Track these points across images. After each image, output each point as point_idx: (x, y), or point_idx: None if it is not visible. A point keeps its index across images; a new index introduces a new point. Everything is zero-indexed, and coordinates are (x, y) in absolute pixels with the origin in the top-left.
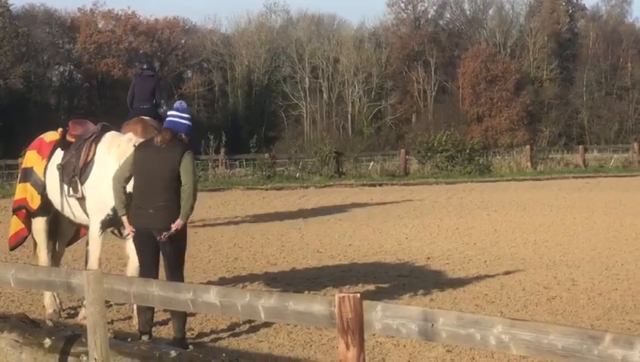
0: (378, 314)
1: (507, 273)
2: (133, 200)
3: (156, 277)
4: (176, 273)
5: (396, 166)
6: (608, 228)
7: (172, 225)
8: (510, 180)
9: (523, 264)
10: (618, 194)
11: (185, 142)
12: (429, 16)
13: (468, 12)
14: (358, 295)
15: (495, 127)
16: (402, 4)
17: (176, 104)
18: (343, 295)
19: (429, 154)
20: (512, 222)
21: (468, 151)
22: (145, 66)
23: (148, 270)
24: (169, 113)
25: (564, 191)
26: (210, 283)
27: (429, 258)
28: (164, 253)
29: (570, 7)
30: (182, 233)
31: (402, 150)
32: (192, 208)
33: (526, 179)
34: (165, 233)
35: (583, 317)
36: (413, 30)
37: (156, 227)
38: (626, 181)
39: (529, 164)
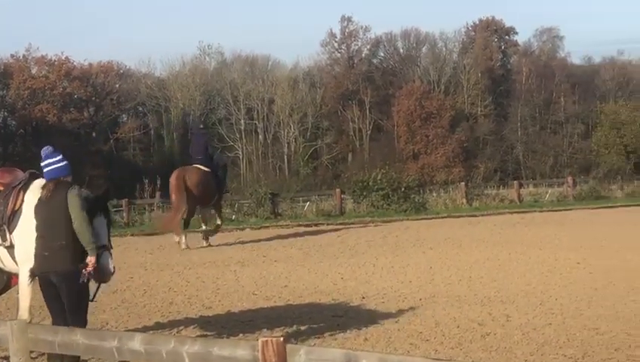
0: (302, 357)
1: (442, 310)
2: (35, 248)
3: (65, 323)
4: (75, 317)
5: (332, 206)
6: (543, 262)
7: (87, 264)
8: (446, 217)
9: (458, 301)
10: (553, 228)
11: (67, 182)
12: (363, 55)
13: (401, 50)
14: (282, 339)
15: (431, 164)
16: (336, 44)
17: (44, 152)
18: (266, 339)
19: (364, 193)
20: (448, 259)
21: (403, 189)
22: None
23: (56, 317)
24: (43, 164)
25: (499, 226)
26: (145, 328)
27: (364, 297)
28: (62, 296)
29: (502, 44)
30: (74, 274)
31: (338, 189)
32: (90, 242)
33: (462, 216)
34: (85, 271)
35: (517, 353)
36: (347, 69)
37: (53, 269)
38: (560, 215)
39: (464, 200)
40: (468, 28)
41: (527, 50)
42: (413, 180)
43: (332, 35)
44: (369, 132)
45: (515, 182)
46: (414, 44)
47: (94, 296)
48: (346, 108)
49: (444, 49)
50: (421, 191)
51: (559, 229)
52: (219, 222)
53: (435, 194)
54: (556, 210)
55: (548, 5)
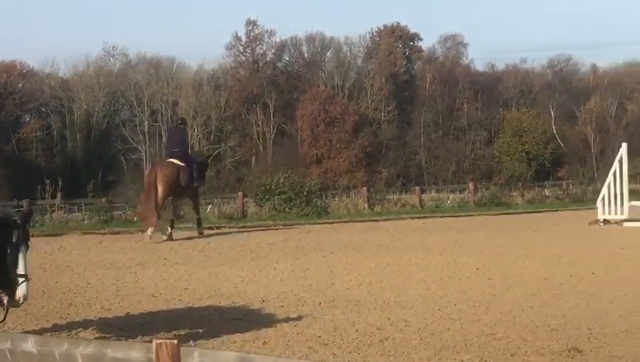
0: (195, 359)
1: (341, 315)
2: None
3: None
4: None
5: (234, 209)
6: (443, 268)
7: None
8: (347, 221)
9: (357, 305)
10: (453, 234)
11: None
12: (268, 58)
13: (306, 55)
14: (175, 341)
15: (334, 168)
16: (241, 48)
17: None
18: (160, 341)
19: (266, 196)
20: (348, 263)
21: (306, 193)
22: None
23: None
24: None
25: (400, 231)
26: (43, 330)
27: (264, 301)
28: None
29: (407, 50)
30: None
31: (240, 193)
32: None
33: (363, 221)
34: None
35: (415, 358)
36: (252, 73)
37: None
38: (461, 221)
39: (366, 205)
40: (373, 33)
41: (431, 56)
42: (316, 184)
43: (237, 38)
44: (273, 136)
45: (417, 187)
46: (319, 49)
47: (4, 317)
48: (250, 111)
49: (348, 54)
50: (323, 195)
51: (460, 235)
52: (198, 215)
53: (337, 199)
54: (457, 216)
55: (452, 12)
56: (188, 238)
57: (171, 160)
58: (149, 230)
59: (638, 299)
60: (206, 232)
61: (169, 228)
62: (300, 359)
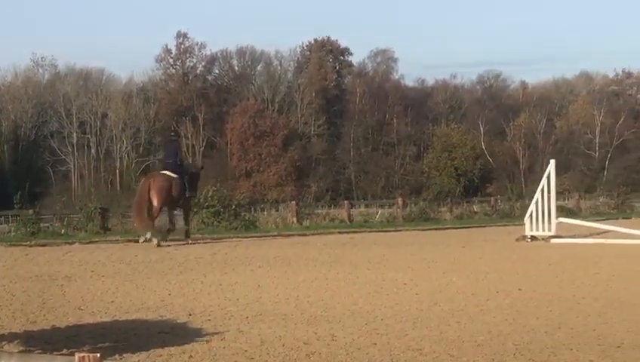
0: None
1: (268, 329)
2: None
3: None
4: None
5: (163, 221)
6: (370, 282)
7: None
8: (276, 235)
9: (284, 319)
10: (381, 249)
11: None
12: (198, 71)
13: (236, 68)
14: (98, 354)
15: (263, 182)
16: (171, 60)
17: None
18: (82, 354)
19: (195, 209)
20: (276, 277)
21: (234, 206)
22: (172, 134)
23: None
24: None
25: (328, 246)
26: None
27: (190, 314)
28: None
29: (337, 64)
30: None
31: None
32: None
33: (292, 235)
34: None
35: None
36: (182, 85)
37: None
38: (390, 236)
39: (295, 219)
40: (303, 47)
41: (361, 71)
42: (245, 198)
43: (167, 50)
44: (202, 148)
45: (346, 201)
46: (249, 62)
47: None
48: (180, 124)
49: (279, 67)
50: (252, 209)
51: (388, 250)
52: (186, 226)
53: (265, 213)
54: (385, 231)
55: (383, 27)
56: (113, 252)
57: (164, 171)
58: (148, 234)
59: (564, 315)
60: (132, 245)
61: (154, 238)
62: None
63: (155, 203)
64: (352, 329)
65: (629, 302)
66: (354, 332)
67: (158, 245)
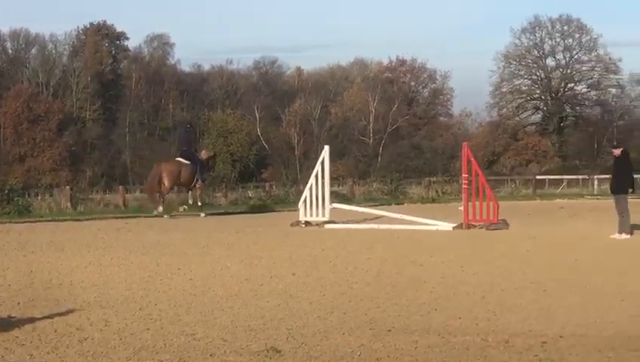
0: None
1: (40, 315)
2: None
3: None
4: None
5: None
6: (145, 268)
7: None
8: (50, 221)
9: (57, 305)
10: (156, 234)
11: None
12: None
13: (10, 51)
14: None
15: (37, 167)
16: None
17: None
18: None
19: None
20: (49, 263)
21: (7, 191)
22: (188, 125)
23: None
24: None
25: (103, 231)
26: None
27: None
28: None
29: (113, 48)
30: None
31: None
32: None
33: (66, 220)
34: None
35: (114, 358)
36: None
37: None
38: (165, 221)
39: (69, 204)
40: (79, 31)
41: (137, 55)
42: (18, 183)
43: None
44: None
45: (121, 187)
46: (23, 45)
47: None
48: None
49: (53, 51)
50: (26, 194)
51: (162, 235)
52: (199, 203)
53: (40, 198)
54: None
55: (159, 12)
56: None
57: (178, 158)
58: (160, 208)
59: (337, 299)
60: None
61: (185, 206)
62: None
63: (166, 183)
64: (125, 315)
65: (401, 286)
66: (127, 318)
67: (170, 215)
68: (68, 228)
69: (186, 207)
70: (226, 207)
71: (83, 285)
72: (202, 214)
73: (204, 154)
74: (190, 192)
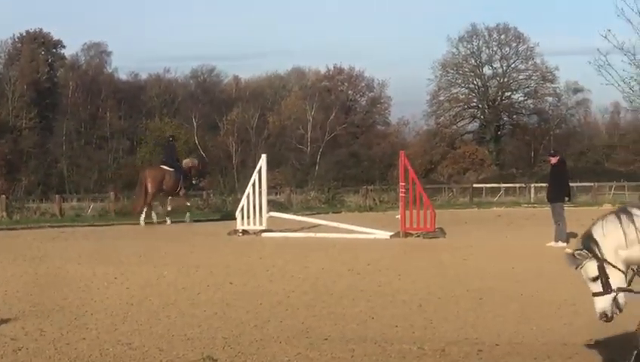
0: None
1: None
2: None
3: None
4: None
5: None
6: (81, 277)
7: None
8: None
9: None
10: (93, 243)
11: None
12: None
13: None
14: None
15: None
16: None
17: None
18: None
19: None
20: None
21: None
22: (170, 138)
23: None
24: None
25: (38, 240)
26: None
27: None
28: None
29: (49, 57)
30: None
31: None
32: None
33: (2, 229)
34: None
35: None
36: None
37: None
38: (101, 230)
39: (5, 213)
40: (15, 39)
41: (74, 63)
42: None
43: None
44: None
45: (57, 196)
46: None
47: None
48: None
49: None
50: None
51: (99, 244)
52: (188, 204)
53: None
54: (97, 225)
55: (97, 20)
56: None
57: (161, 166)
58: (142, 217)
59: (274, 308)
60: None
61: (168, 220)
62: None
63: (150, 188)
64: (61, 324)
65: (336, 295)
66: (63, 327)
67: (148, 223)
68: (3, 236)
69: (189, 214)
70: (163, 215)
71: (18, 295)
72: (187, 215)
73: (186, 164)
74: (169, 198)
